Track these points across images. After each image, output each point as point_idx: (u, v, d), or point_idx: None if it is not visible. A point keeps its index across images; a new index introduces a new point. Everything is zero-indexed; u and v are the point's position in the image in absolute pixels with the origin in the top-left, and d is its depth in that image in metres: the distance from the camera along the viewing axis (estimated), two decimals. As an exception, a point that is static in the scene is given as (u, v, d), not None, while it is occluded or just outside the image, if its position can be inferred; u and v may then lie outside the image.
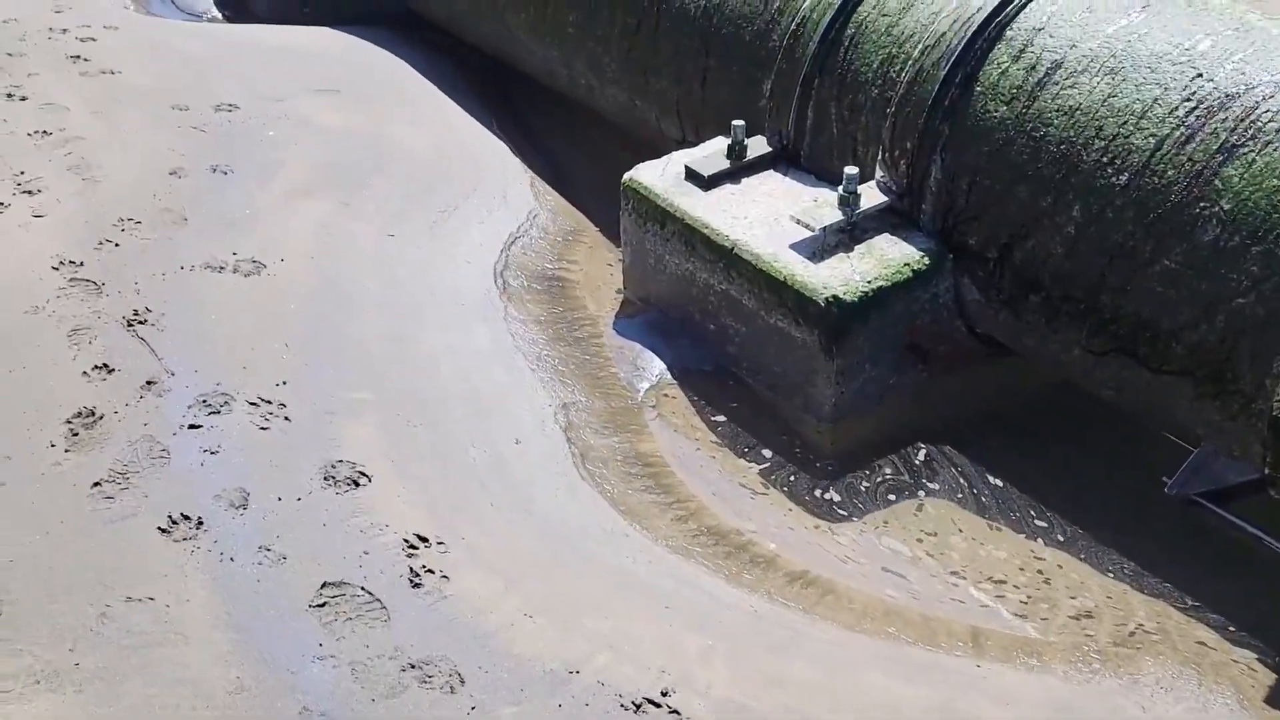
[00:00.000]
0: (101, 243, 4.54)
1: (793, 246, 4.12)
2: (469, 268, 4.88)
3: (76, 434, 3.51)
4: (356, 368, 4.01)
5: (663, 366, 4.44)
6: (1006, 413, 4.23)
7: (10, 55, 6.37)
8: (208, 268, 4.46)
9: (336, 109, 6.03)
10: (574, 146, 6.41)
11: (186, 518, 3.24)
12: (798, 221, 4.11)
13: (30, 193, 4.89)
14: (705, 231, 4.31)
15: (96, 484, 3.34)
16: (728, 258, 4.22)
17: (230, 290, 4.34)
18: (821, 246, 4.09)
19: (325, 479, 3.42)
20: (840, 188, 4.14)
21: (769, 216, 4.32)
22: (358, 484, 3.43)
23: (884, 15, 4.39)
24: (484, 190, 5.52)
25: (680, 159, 4.78)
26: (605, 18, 5.60)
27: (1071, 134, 3.74)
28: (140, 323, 4.07)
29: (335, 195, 5.13)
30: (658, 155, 5.75)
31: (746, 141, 4.63)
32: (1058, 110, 3.79)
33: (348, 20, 8.42)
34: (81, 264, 4.39)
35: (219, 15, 8.45)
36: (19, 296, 4.15)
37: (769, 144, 4.69)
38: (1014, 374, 4.37)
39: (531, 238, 5.27)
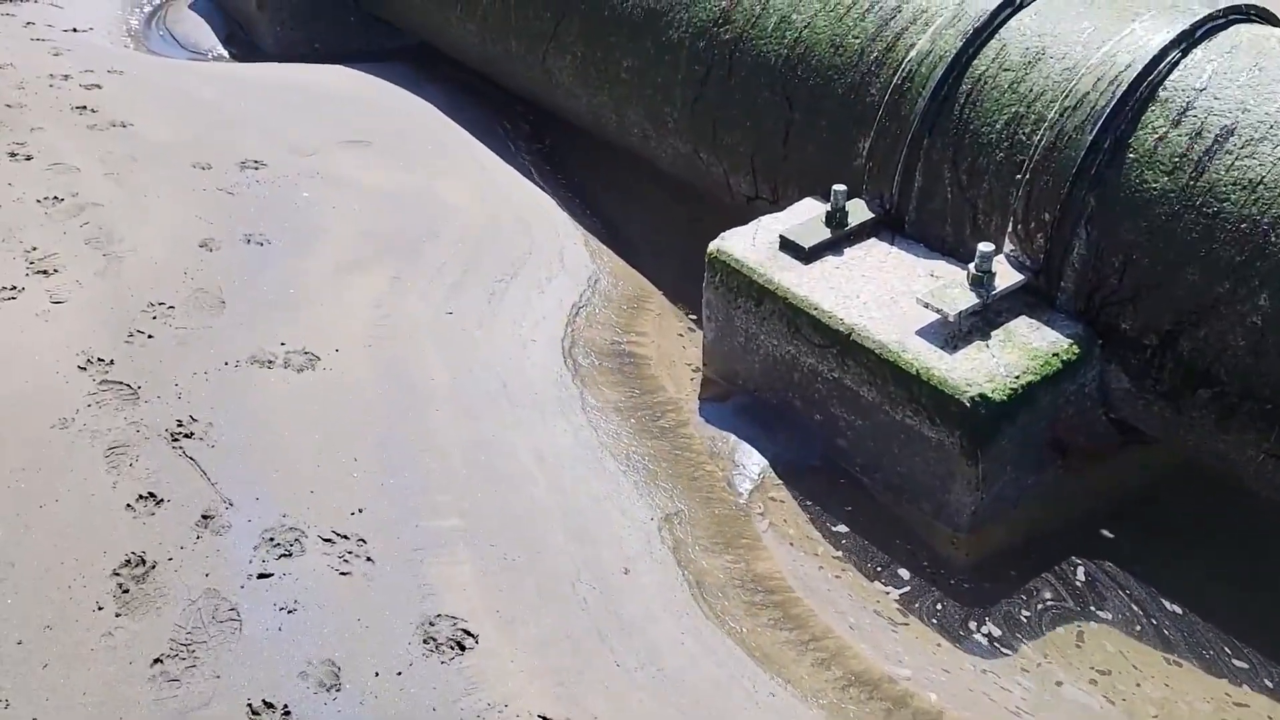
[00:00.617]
0: (132, 334, 3.91)
1: (921, 333, 3.56)
2: (536, 348, 4.29)
3: (127, 590, 2.88)
4: (438, 485, 3.41)
5: (763, 462, 3.86)
6: (1153, 505, 3.70)
7: (9, 107, 5.70)
8: (255, 362, 3.84)
9: (371, 164, 5.41)
10: (623, 197, 5.81)
11: (270, 705, 2.60)
12: (926, 305, 3.55)
13: (46, 273, 4.25)
14: (814, 313, 3.74)
15: (157, 661, 2.70)
16: (843, 344, 3.66)
17: (283, 390, 3.73)
18: (954, 333, 3.53)
19: (425, 641, 2.81)
20: (972, 266, 3.58)
21: (885, 295, 3.75)
22: (463, 646, 2.82)
23: (1006, 70, 3.84)
24: (539, 253, 4.93)
25: (771, 225, 4.21)
26: (667, 65, 5.03)
27: (1255, 211, 3.20)
28: (186, 436, 3.45)
29: (384, 267, 4.52)
30: (719, 208, 5.22)
31: (846, 207, 4.08)
32: (1235, 183, 3.25)
33: (359, 56, 7.80)
34: (112, 362, 3.76)
35: (225, 53, 7.80)
36: (45, 406, 3.52)
37: (870, 209, 4.13)
38: (1156, 460, 3.85)
39: (595, 307, 4.68)
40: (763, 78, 4.60)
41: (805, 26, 4.50)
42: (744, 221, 4.39)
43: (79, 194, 4.85)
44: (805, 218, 4.18)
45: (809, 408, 3.89)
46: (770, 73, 4.57)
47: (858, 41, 4.30)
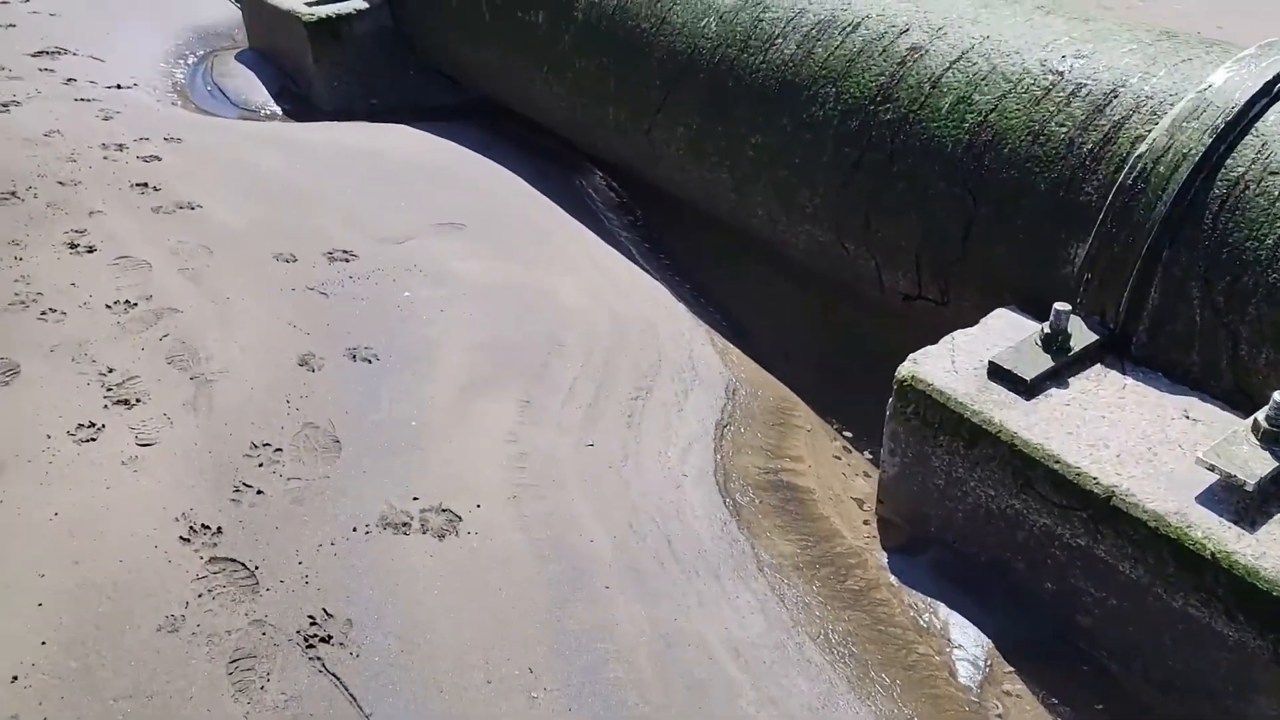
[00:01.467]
0: (239, 489, 3.16)
1: (1203, 500, 2.85)
2: (690, 485, 3.54)
3: None
4: (630, 700, 2.68)
5: (985, 641, 3.12)
6: None
7: (63, 184, 4.94)
8: (387, 526, 3.09)
9: (469, 252, 4.66)
10: (735, 281, 5.06)
11: None
12: (1212, 468, 2.84)
13: (128, 403, 3.49)
14: (1055, 467, 3.02)
15: None
16: (1099, 509, 2.94)
17: (426, 566, 2.98)
18: (1249, 503, 2.83)
19: None
20: (1263, 417, 2.87)
21: (1139, 445, 3.03)
22: None
23: (1273, 173, 3.13)
24: (668, 359, 4.19)
25: (969, 346, 3.49)
26: (809, 145, 4.30)
27: None
28: (324, 640, 2.70)
29: (511, 389, 3.77)
30: (856, 300, 4.51)
31: (1068, 328, 3.36)
32: None
33: (417, 111, 7.08)
34: (219, 530, 3.01)
35: (278, 109, 7.05)
36: (148, 599, 2.76)
37: (1090, 329, 3.42)
38: None
39: (738, 424, 3.94)
40: (936, 165, 3.88)
41: (991, 110, 3.78)
42: (891, 318, 3.68)
43: (153, 296, 4.09)
44: (1010, 337, 3.46)
45: (1038, 574, 3.16)
46: (946, 160, 3.85)
47: (1063, 130, 3.58)
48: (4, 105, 5.80)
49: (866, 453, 4.00)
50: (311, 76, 7.07)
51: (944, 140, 3.85)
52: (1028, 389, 3.24)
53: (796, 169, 4.39)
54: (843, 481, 3.82)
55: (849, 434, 4.07)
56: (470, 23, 6.28)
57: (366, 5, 7.02)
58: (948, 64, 3.94)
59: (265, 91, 7.16)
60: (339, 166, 5.46)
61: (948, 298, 3.96)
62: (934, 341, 3.52)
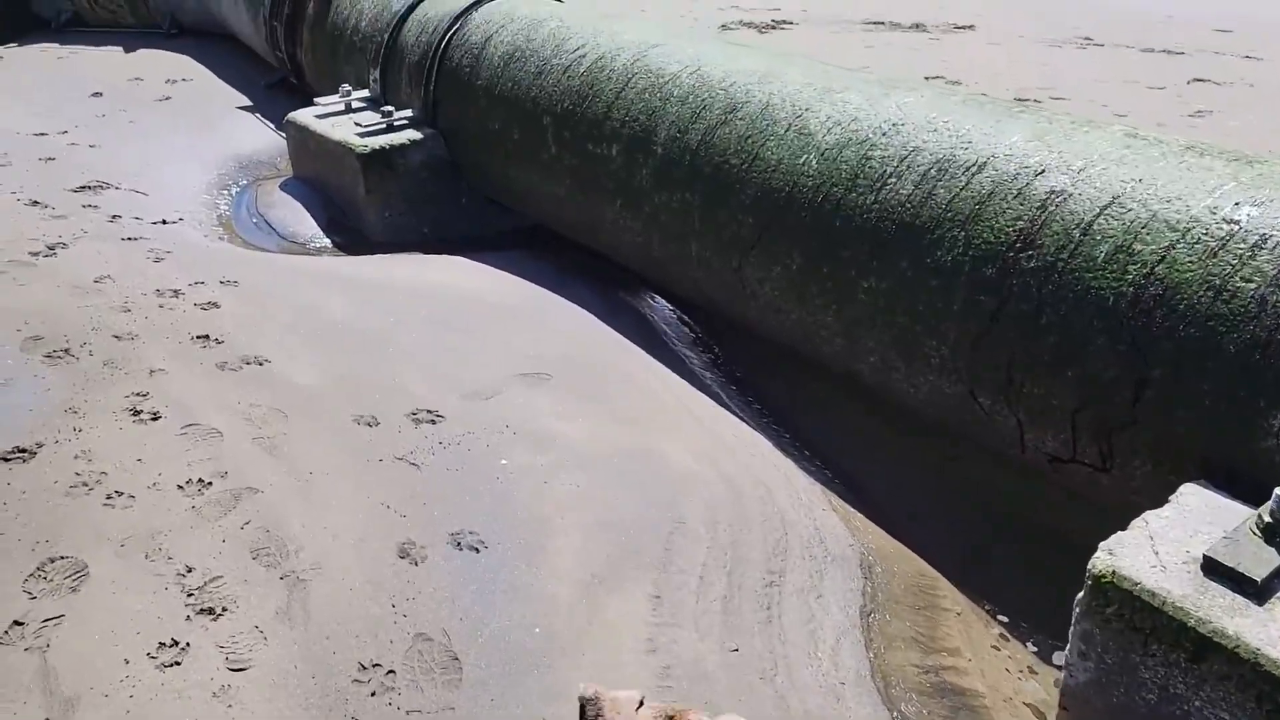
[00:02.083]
0: (350, 727, 2.64)
1: None
2: (850, 695, 3.01)
3: None
4: None
5: None
6: None
7: (119, 339, 4.47)
8: (531, 772, 2.57)
9: (563, 409, 4.19)
10: (837, 427, 4.61)
11: None
12: None
13: (213, 612, 2.97)
14: (1314, 691, 2.53)
15: None
16: (1376, 744, 2.45)
17: (584, 826, 2.45)
18: None
19: None
20: None
21: (1406, 662, 2.56)
22: None
23: None
24: (795, 532, 3.69)
25: (1169, 534, 3.00)
26: (935, 291, 3.89)
27: None
28: None
29: (638, 581, 3.25)
30: (980, 454, 4.04)
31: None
32: None
33: (470, 239, 6.69)
34: (335, 788, 2.49)
35: (328, 242, 6.64)
36: None
37: (1307, 511, 2.96)
38: None
39: (883, 610, 3.42)
40: (1095, 320, 3.45)
41: (1158, 261, 3.36)
42: (1031, 478, 3.21)
43: (228, 474, 3.59)
44: (1213, 521, 2.99)
45: (1287, 807, 2.64)
46: (1107, 314, 3.42)
47: (1251, 286, 3.16)
48: (51, 248, 5.38)
49: (1029, 643, 3.49)
50: (363, 208, 6.70)
51: (1103, 292, 3.42)
52: (1258, 591, 2.75)
53: (920, 316, 3.96)
54: (1011, 681, 3.29)
55: (1004, 618, 3.57)
56: (534, 154, 5.92)
57: (420, 136, 6.68)
58: (1098, 209, 3.54)
59: (313, 223, 6.77)
60: (405, 308, 5.03)
61: (1111, 464, 3.49)
62: (1088, 509, 3.06)
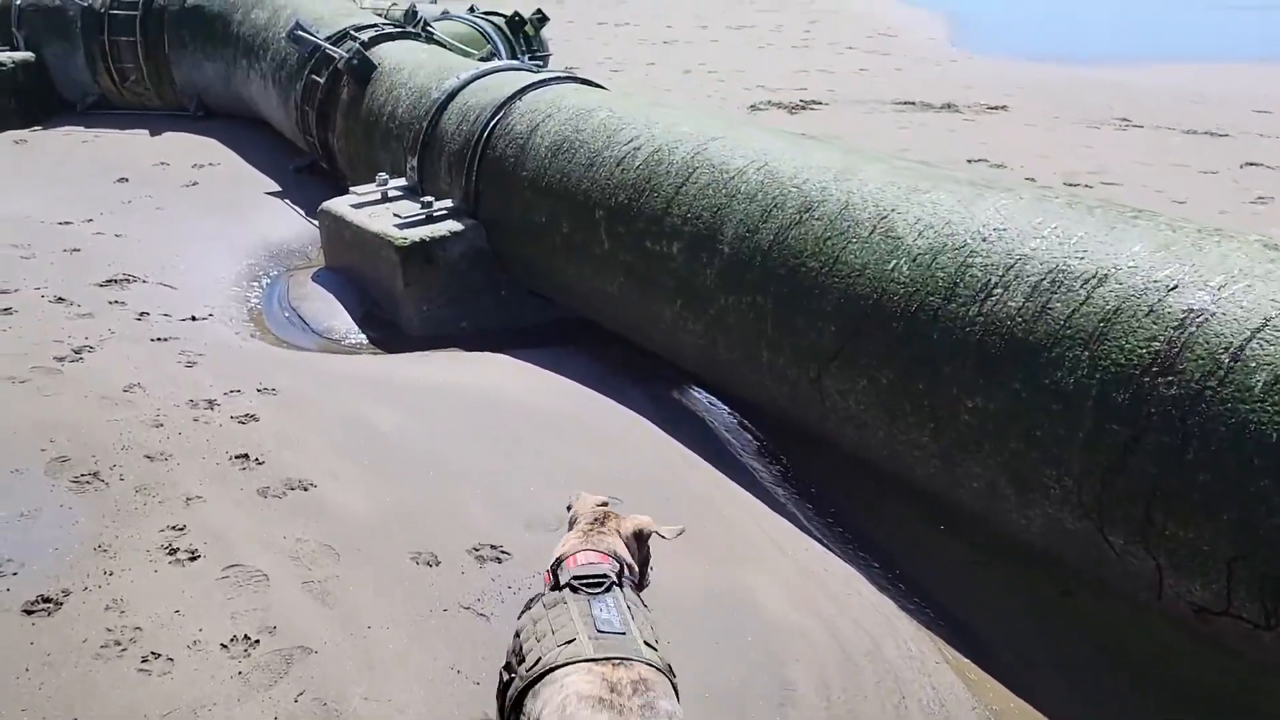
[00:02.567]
0: None
1: None
2: None
3: None
4: None
5: None
6: None
7: (151, 460, 4.07)
8: None
9: (642, 540, 3.78)
10: (939, 563, 4.19)
11: None
12: None
13: (264, 813, 2.54)
14: None
15: None
16: None
17: None
18: None
19: None
20: None
21: None
22: None
23: None
24: (911, 697, 3.22)
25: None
26: (1055, 417, 3.49)
27: None
28: None
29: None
30: (1113, 596, 3.61)
31: None
32: None
33: (510, 332, 6.34)
34: None
35: (363, 337, 6.29)
36: None
37: None
38: None
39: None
40: (1256, 458, 3.05)
41: (1328, 395, 2.97)
42: (1167, 627, 2.79)
43: (277, 628, 3.16)
44: None
45: None
46: (1271, 454, 3.03)
47: None
48: (77, 352, 5.02)
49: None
50: (400, 301, 6.35)
51: (1264, 427, 3.02)
52: None
53: (1036, 442, 3.57)
54: None
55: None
56: (585, 248, 5.58)
57: (461, 227, 6.36)
58: (1248, 333, 3.16)
59: (347, 317, 6.42)
60: (454, 417, 4.64)
61: (1275, 621, 3.06)
62: (1244, 665, 2.62)
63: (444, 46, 8.71)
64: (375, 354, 6.01)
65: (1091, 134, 10.29)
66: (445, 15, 11.95)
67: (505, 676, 2.27)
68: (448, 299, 6.39)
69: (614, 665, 2.10)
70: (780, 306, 4.50)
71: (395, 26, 8.59)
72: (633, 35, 17.92)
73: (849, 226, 4.34)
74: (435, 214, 6.48)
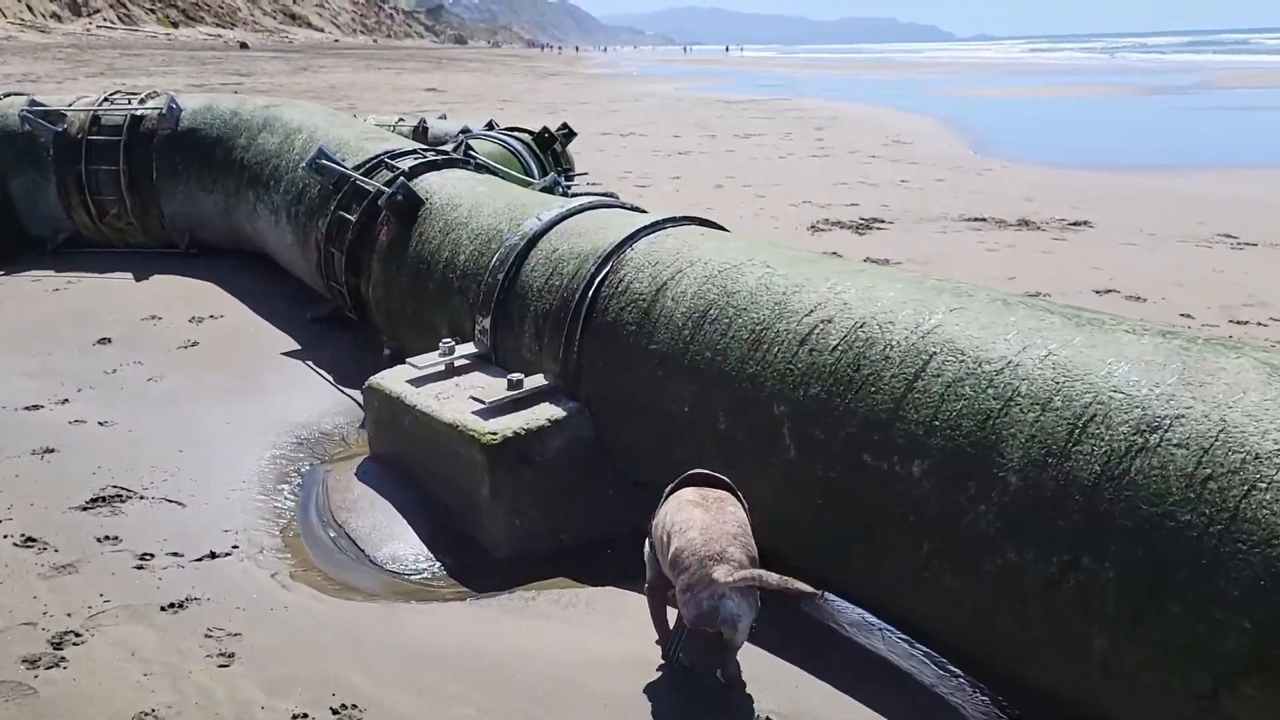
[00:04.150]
0: None
1: None
2: None
3: None
4: None
5: None
6: None
7: None
8: None
9: None
10: None
11: None
12: None
13: None
14: None
15: None
16: None
17: None
18: None
19: None
20: None
21: None
22: None
23: None
24: None
25: None
26: None
27: None
28: None
29: None
30: None
31: None
32: None
33: (611, 540, 4.76)
34: None
35: (436, 566, 4.66)
36: None
37: None
38: None
39: None
40: None
41: None
42: None
43: None
44: None
45: None
46: None
47: None
48: (57, 646, 3.37)
49: None
50: (484, 512, 4.76)
51: None
52: None
53: None
54: None
55: None
56: (754, 454, 4.08)
57: (563, 414, 4.82)
58: None
59: (412, 535, 4.82)
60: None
61: None
62: None
63: (495, 174, 7.27)
64: (459, 593, 4.39)
65: (1205, 254, 9.05)
66: (466, 132, 10.65)
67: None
68: (543, 507, 4.81)
69: (706, 488, 3.40)
70: (1129, 577, 2.98)
71: (438, 153, 7.15)
72: (643, 146, 16.76)
73: (1241, 460, 2.84)
74: (525, 395, 4.93)
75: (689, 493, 3.43)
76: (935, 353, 3.67)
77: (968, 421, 3.45)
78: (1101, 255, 9.06)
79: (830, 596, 4.29)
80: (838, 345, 3.94)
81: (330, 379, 6.46)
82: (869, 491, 3.70)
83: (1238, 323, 7.10)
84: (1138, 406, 3.14)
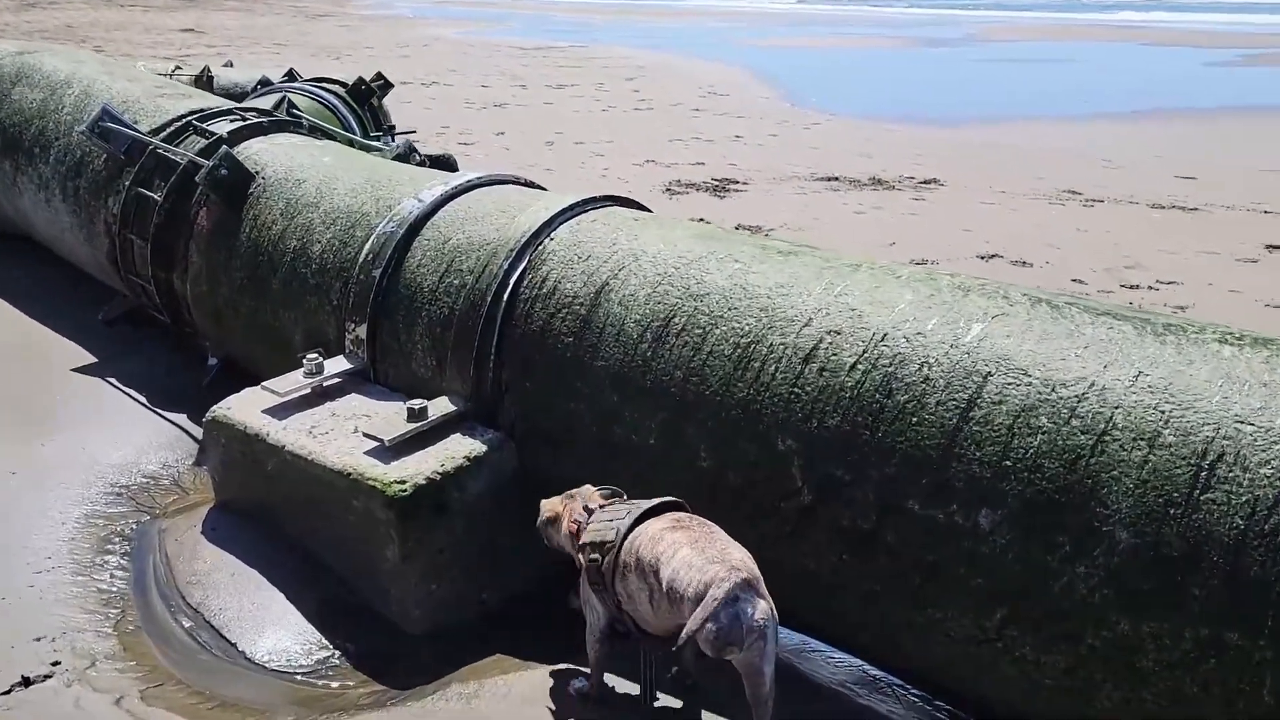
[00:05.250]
0: None
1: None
2: None
3: None
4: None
5: None
6: None
7: None
8: None
9: None
10: None
11: None
12: None
13: None
14: None
15: None
16: None
17: None
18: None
19: None
20: None
21: None
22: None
23: None
24: None
25: None
26: None
27: None
28: None
29: None
30: None
31: None
32: None
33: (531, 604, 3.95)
34: None
35: (335, 654, 3.66)
36: None
37: None
38: None
39: None
40: None
41: None
42: None
43: None
44: None
45: None
46: None
47: None
48: None
49: None
50: (391, 578, 3.80)
51: None
52: None
53: None
54: None
55: None
56: (759, 498, 3.31)
57: (483, 448, 3.90)
58: None
59: (295, 612, 3.82)
60: None
61: None
62: None
63: (333, 139, 6.05)
64: (373, 694, 3.42)
65: (1062, 212, 9.01)
66: (267, 84, 9.21)
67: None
68: (464, 565, 3.88)
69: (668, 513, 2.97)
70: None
71: (259, 113, 5.85)
72: (452, 97, 15.43)
73: None
74: (430, 425, 3.95)
75: (653, 526, 2.89)
76: (990, 373, 3.01)
77: (1054, 464, 2.81)
78: (967, 216, 8.83)
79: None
80: (856, 364, 3.22)
81: (144, 400, 5.16)
82: (917, 546, 3.01)
83: (1130, 287, 6.97)
84: (1277, 442, 2.57)
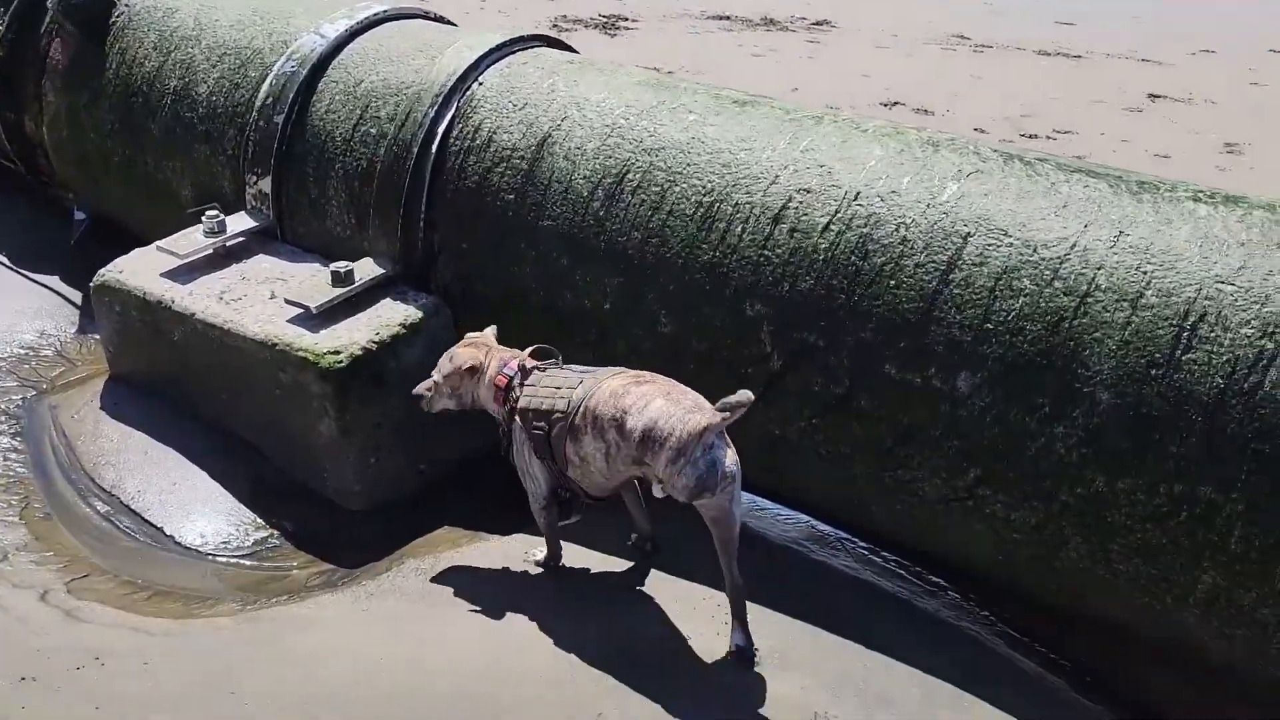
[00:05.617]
0: None
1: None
2: None
3: None
4: None
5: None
6: None
7: None
8: None
9: None
10: None
11: None
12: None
13: None
14: None
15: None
16: None
17: None
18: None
19: None
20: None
21: None
22: None
23: None
24: None
25: None
26: None
27: None
28: None
29: None
30: None
31: None
32: None
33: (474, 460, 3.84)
34: None
35: (275, 535, 3.48)
36: None
37: None
38: None
39: None
40: None
41: None
42: None
43: None
44: None
45: None
46: None
47: None
48: None
49: None
50: (328, 455, 3.60)
51: None
52: None
53: None
54: None
55: None
56: (727, 365, 3.23)
57: (419, 314, 3.67)
58: None
59: (222, 492, 3.57)
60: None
61: None
62: None
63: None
64: (321, 573, 3.28)
65: (954, 58, 9.00)
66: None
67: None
68: (402, 437, 3.69)
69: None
70: (1262, 510, 2.55)
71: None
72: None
73: None
74: (358, 289, 3.68)
75: (612, 383, 2.80)
76: (970, 234, 2.95)
77: (1033, 324, 2.80)
78: (863, 60, 8.71)
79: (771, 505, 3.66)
80: (829, 225, 3.11)
81: (7, 262, 4.63)
82: (892, 410, 3.00)
83: (1029, 136, 7.06)
84: (1256, 302, 2.62)
